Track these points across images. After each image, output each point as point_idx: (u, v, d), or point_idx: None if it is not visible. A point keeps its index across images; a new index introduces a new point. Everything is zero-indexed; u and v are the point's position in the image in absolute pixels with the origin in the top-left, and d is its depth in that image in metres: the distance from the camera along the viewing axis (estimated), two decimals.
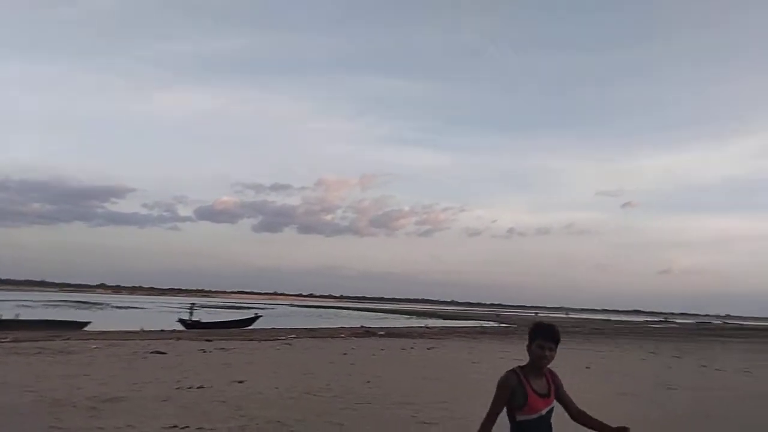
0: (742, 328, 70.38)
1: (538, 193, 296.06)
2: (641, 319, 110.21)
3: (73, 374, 10.26)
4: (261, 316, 38.32)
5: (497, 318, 68.46)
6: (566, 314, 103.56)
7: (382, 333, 28.17)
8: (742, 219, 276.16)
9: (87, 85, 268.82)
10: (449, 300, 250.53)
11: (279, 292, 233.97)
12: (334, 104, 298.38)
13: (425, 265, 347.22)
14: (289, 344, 19.36)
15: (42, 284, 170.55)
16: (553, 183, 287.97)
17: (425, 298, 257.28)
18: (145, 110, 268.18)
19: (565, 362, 16.22)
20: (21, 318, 27.86)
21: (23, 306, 51.28)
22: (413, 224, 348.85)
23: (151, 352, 14.46)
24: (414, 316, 67.74)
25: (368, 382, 10.45)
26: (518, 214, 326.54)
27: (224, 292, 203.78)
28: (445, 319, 61.86)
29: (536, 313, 49.61)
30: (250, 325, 34.30)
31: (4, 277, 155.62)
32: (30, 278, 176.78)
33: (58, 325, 26.32)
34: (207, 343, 18.27)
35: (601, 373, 13.66)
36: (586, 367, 14.75)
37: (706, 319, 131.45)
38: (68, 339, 18.40)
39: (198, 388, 9.02)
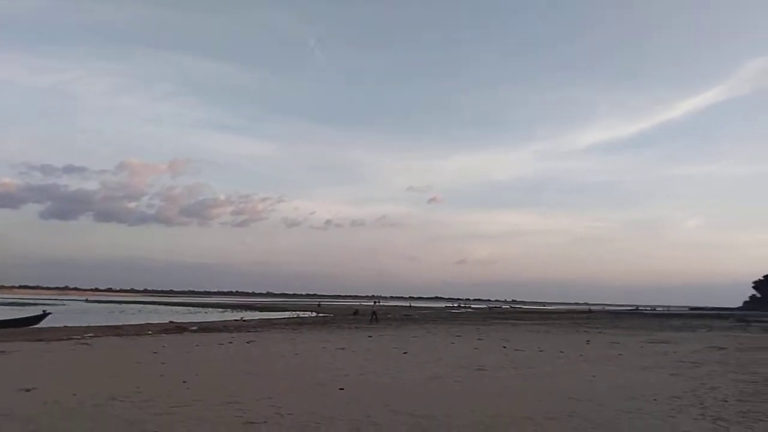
0: (525, 311, 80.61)
1: (355, 186, 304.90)
2: (442, 305, 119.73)
3: None
4: (50, 313, 33.65)
5: (319, 308, 69.05)
6: (377, 302, 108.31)
7: (194, 328, 26.57)
8: (529, 214, 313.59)
9: None
10: (265, 291, 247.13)
11: (71, 287, 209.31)
12: (144, 82, 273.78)
13: (241, 256, 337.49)
14: (88, 344, 17.16)
15: None
16: (369, 177, 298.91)
17: (240, 290, 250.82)
18: None
19: (383, 348, 16.76)
20: None
21: None
22: (229, 214, 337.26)
23: None
24: (229, 309, 65.25)
25: (185, 382, 9.56)
26: (336, 206, 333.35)
27: (3, 287, 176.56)
28: (262, 311, 60.62)
29: (376, 301, 50.65)
30: (36, 324, 29.90)
31: None
32: None
33: None
34: None
35: (416, 358, 14.29)
36: (404, 353, 15.38)
37: (495, 304, 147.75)
38: None
39: None
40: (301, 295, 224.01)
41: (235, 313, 54.61)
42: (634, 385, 10.15)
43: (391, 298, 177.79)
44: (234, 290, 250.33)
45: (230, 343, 18.23)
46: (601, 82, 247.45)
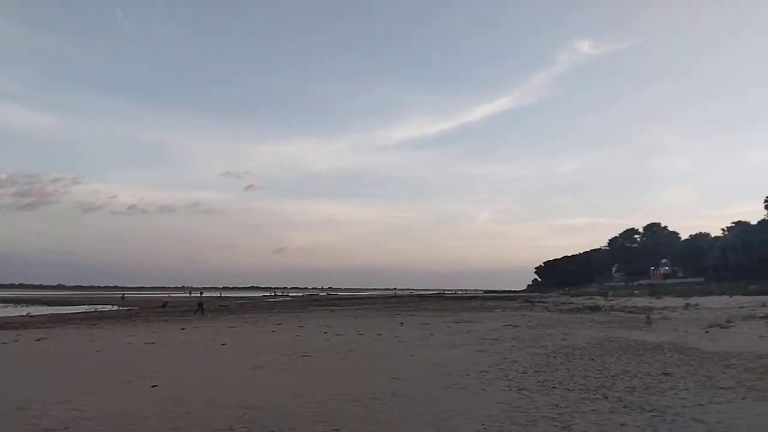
0: (341, 297, 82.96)
1: (164, 169, 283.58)
2: (259, 294, 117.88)
3: None
4: None
5: (123, 300, 63.14)
6: (189, 293, 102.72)
7: None
8: (344, 205, 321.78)
9: None
10: (56, 284, 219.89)
11: None
12: None
13: (26, 244, 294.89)
14: None
15: None
16: (180, 159, 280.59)
17: (26, 282, 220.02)
18: None
19: (199, 341, 15.82)
20: None
21: None
22: (12, 195, 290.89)
23: None
24: (12, 304, 56.71)
25: None
26: (142, 191, 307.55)
27: None
28: (51, 305, 53.71)
29: (201, 292, 47.15)
30: None
31: None
32: None
33: None
34: None
35: (237, 349, 13.74)
36: (222, 344, 14.69)
37: (313, 292, 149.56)
38: None
39: None
40: (99, 287, 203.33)
41: (19, 308, 47.59)
42: (448, 361, 10.88)
43: (204, 288, 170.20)
44: (18, 282, 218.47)
45: (16, 341, 15.79)
46: (415, 84, 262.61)
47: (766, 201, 76.76)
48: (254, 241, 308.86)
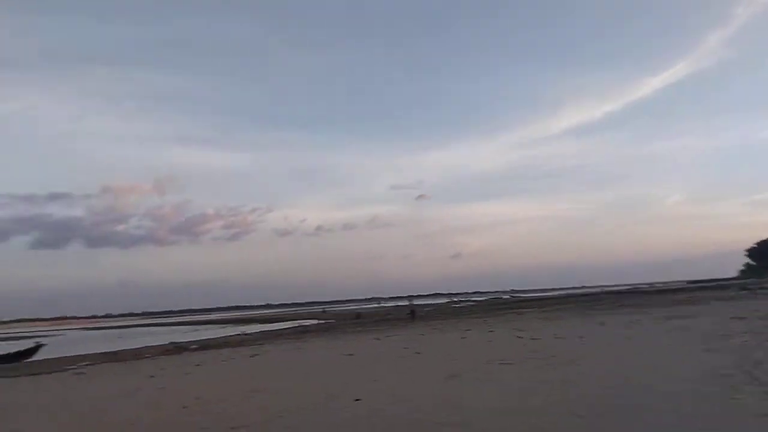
0: (526, 300, 79.96)
1: (341, 189, 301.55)
2: (442, 301, 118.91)
3: None
4: (44, 345, 32.56)
5: (323, 314, 68.27)
6: (379, 304, 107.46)
7: (194, 347, 25.66)
8: (515, 203, 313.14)
9: None
10: (264, 303, 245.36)
11: (69, 316, 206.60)
12: (109, 102, 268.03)
13: (236, 270, 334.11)
14: (83, 373, 16.28)
15: None
16: (354, 179, 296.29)
17: (238, 304, 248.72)
18: None
19: (392, 349, 15.91)
20: None
21: None
22: (220, 228, 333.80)
23: None
24: (229, 325, 64.15)
25: (185, 407, 8.71)
26: (325, 212, 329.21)
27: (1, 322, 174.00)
28: (262, 323, 59.57)
29: (410, 300, 49.32)
30: (29, 357, 28.85)
31: None
32: None
33: None
34: None
35: (432, 358, 13.49)
36: (416, 353, 14.58)
37: (495, 295, 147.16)
38: None
39: None
40: (301, 304, 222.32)
41: (235, 327, 53.56)
42: (666, 364, 9.40)
43: (390, 298, 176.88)
44: (233, 305, 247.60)
45: (233, 359, 17.37)
46: (569, 68, 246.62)
47: None
48: (430, 249, 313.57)
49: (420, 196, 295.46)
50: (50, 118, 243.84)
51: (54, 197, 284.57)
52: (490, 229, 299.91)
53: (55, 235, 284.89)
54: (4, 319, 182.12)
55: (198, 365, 16.07)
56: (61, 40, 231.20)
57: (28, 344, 32.19)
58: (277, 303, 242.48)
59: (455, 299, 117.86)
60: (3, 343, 47.88)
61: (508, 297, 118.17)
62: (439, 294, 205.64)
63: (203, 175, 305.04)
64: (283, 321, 59.57)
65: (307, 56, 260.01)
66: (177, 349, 25.20)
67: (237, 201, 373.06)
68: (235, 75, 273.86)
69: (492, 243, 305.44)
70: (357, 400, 8.30)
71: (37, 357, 28.64)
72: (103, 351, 28.66)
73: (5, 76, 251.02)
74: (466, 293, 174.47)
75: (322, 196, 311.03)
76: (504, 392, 8.15)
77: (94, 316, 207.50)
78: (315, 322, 50.85)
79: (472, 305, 70.44)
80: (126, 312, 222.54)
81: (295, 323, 50.46)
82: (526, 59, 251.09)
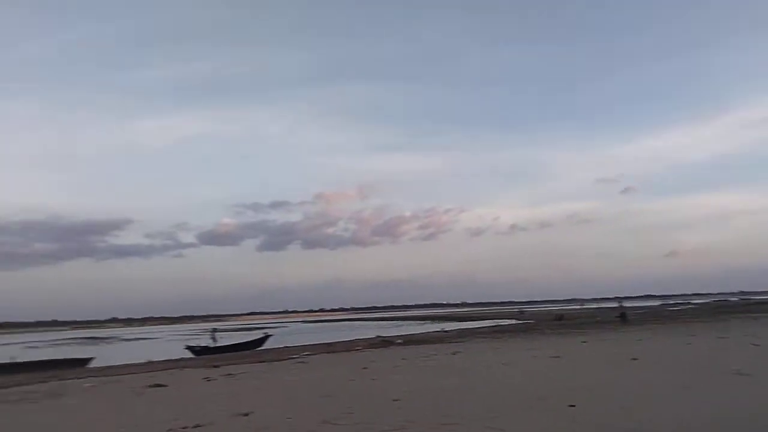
0: (761, 302, 68.39)
1: (536, 187, 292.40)
2: (655, 303, 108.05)
3: (51, 423, 8.87)
4: (271, 335, 36.90)
5: (520, 314, 66.97)
6: (581, 305, 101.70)
7: (400, 341, 26.71)
8: (736, 193, 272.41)
9: (70, 120, 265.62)
10: (460, 302, 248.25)
11: (290, 310, 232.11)
12: (315, 117, 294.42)
13: (432, 269, 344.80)
14: (304, 362, 17.97)
15: (53, 324, 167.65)
16: (550, 175, 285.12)
17: (435, 302, 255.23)
18: (133, 140, 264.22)
19: (604, 353, 14.79)
20: (18, 360, 26.46)
21: (30, 347, 50.02)
22: (416, 229, 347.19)
23: (150, 386, 13.05)
24: (428, 321, 66.07)
25: (396, 400, 9.00)
26: (518, 210, 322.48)
27: (235, 315, 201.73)
28: (460, 321, 60.19)
29: (620, 302, 46.43)
30: (260, 346, 32.89)
31: (14, 320, 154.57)
32: (40, 319, 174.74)
33: (58, 365, 24.91)
34: (214, 369, 16.91)
35: (653, 365, 12.20)
36: (633, 359, 13.32)
37: (720, 297, 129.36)
38: (64, 379, 17.03)
39: (194, 427, 7.61)
40: (495, 303, 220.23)
41: (435, 324, 54.91)
42: None
43: (593, 300, 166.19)
44: (430, 302, 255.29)
45: (435, 355, 17.70)
46: None
47: None
48: (638, 246, 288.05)
49: (626, 189, 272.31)
50: (265, 135, 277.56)
51: (276, 205, 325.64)
52: (710, 224, 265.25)
53: (277, 238, 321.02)
54: (239, 313, 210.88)
55: (404, 359, 16.67)
56: (266, 65, 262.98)
57: (259, 335, 36.74)
58: (472, 302, 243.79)
59: (670, 302, 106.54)
60: (237, 333, 55.39)
61: (736, 300, 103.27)
62: (650, 296, 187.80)
63: (399, 180, 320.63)
64: (479, 320, 59.56)
65: (500, 55, 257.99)
66: (384, 342, 26.51)
67: (432, 202, 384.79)
68: (425, 80, 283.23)
69: (713, 239, 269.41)
70: (571, 406, 7.78)
71: (266, 346, 32.53)
72: (320, 342, 31.38)
73: (228, 100, 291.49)
74: (684, 295, 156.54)
75: (515, 194, 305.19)
76: (735, 408, 6.98)
77: (310, 310, 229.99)
78: (513, 322, 49.82)
79: (693, 308, 62.84)
80: (336, 307, 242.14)
81: (492, 322, 50.06)
82: (748, 28, 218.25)
